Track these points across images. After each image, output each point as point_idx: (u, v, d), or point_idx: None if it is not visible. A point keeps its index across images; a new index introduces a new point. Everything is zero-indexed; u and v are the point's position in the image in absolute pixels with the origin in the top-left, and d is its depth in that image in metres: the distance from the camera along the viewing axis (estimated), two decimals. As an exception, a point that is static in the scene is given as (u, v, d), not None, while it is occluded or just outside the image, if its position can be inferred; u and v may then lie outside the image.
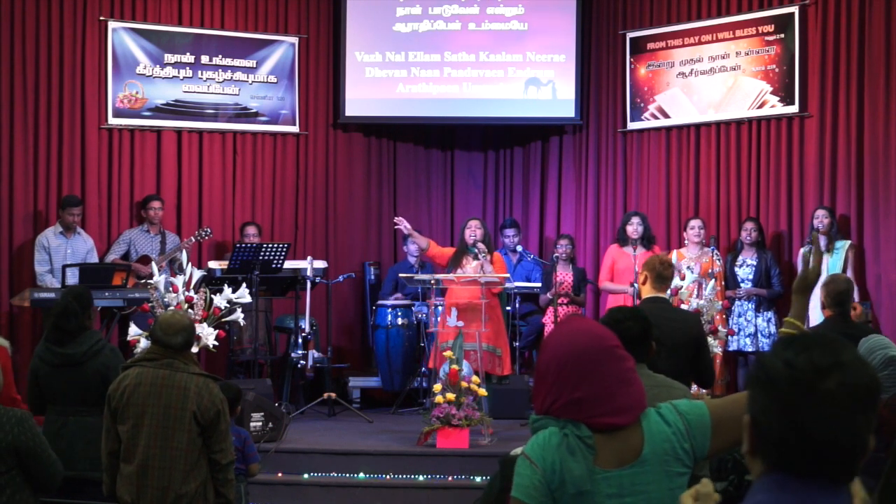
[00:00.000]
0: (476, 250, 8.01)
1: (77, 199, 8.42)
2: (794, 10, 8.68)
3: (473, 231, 8.10)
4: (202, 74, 9.39)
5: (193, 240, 8.57)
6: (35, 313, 8.28)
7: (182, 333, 4.21)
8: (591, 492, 2.26)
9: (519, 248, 9.03)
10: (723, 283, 8.18)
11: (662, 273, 5.09)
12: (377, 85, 9.83)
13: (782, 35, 8.77)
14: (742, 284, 8.23)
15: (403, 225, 8.12)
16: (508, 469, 2.94)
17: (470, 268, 8.01)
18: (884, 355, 4.26)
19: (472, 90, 9.86)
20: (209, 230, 8.73)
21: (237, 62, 9.52)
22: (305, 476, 6.76)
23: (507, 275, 8.27)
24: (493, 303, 8.04)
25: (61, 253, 8.27)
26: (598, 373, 2.30)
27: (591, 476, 2.26)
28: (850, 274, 7.90)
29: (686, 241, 8.46)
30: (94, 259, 8.44)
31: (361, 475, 6.76)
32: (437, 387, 6.86)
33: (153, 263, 7.37)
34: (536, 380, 2.38)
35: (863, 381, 1.54)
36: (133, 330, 6.36)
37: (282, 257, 8.11)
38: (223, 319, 6.59)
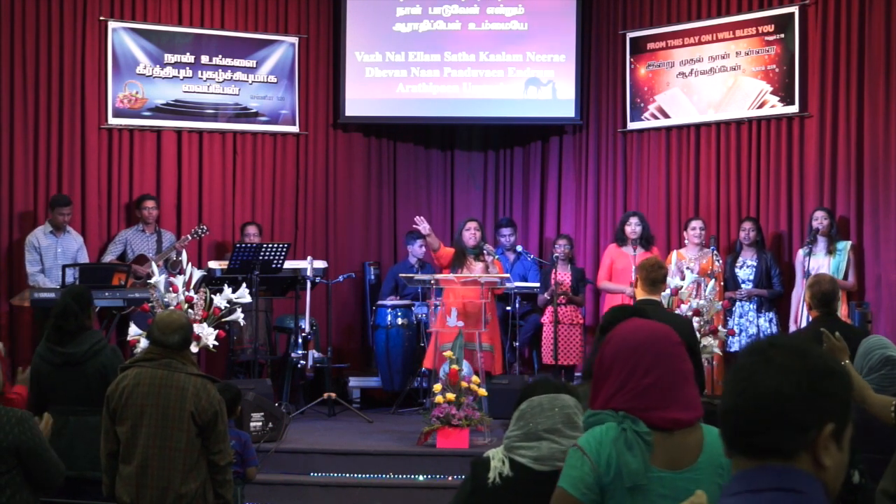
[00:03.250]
0: (484, 251, 8.03)
1: (67, 199, 8.39)
2: (794, 10, 8.68)
3: (473, 233, 8.11)
4: (202, 74, 9.38)
5: (190, 237, 8.53)
6: (34, 313, 8.26)
7: (179, 332, 4.20)
8: (646, 488, 2.25)
9: (519, 248, 9.03)
10: (722, 283, 8.17)
11: (651, 275, 5.12)
12: (377, 85, 9.82)
13: (782, 35, 8.77)
14: (743, 285, 8.22)
15: (424, 225, 8.12)
16: (479, 470, 2.94)
17: (476, 269, 8.02)
18: (881, 355, 4.27)
19: (472, 90, 9.85)
20: (205, 227, 8.71)
21: (237, 62, 9.52)
22: (305, 476, 6.76)
23: (507, 275, 8.28)
24: (492, 302, 8.07)
25: (52, 252, 8.25)
26: (667, 363, 2.31)
27: (647, 472, 2.25)
28: (851, 275, 7.91)
29: (686, 242, 8.45)
30: (85, 257, 8.42)
31: (361, 475, 6.76)
32: (437, 387, 6.86)
33: (152, 263, 7.37)
34: (599, 374, 2.37)
35: (822, 363, 1.56)
36: (133, 330, 6.37)
37: (282, 257, 8.11)
38: (223, 319, 6.60)
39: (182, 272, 6.60)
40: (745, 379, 1.56)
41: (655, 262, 5.34)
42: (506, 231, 9.23)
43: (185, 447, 4.10)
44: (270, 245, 8.16)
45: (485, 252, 8.05)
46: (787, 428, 1.53)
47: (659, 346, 2.33)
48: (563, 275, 8.77)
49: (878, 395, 3.97)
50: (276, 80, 9.65)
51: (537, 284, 8.76)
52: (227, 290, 6.58)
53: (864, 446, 3.91)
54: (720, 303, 7.17)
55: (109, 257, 8.57)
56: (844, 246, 7.94)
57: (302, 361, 8.05)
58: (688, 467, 2.27)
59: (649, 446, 2.26)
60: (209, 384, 4.21)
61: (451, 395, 6.73)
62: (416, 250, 9.17)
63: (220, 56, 9.45)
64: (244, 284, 6.82)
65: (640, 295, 5.11)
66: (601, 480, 2.26)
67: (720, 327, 6.96)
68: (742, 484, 1.56)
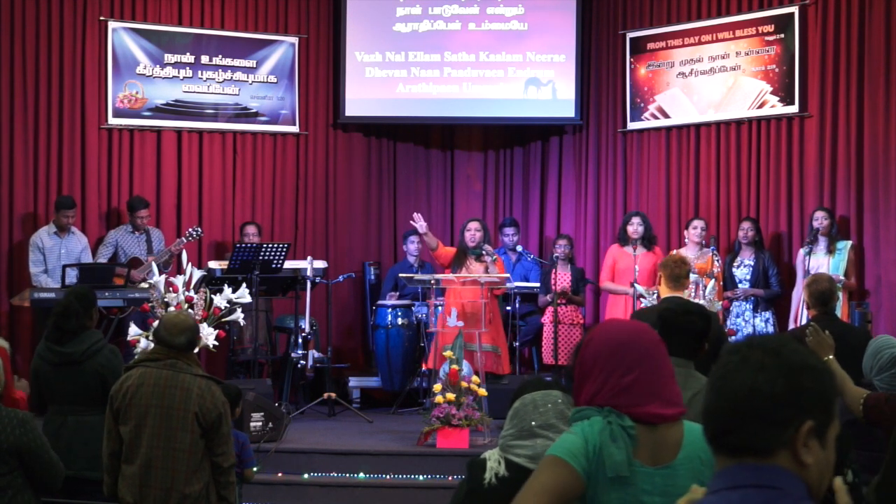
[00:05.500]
0: (483, 252, 8.02)
1: (71, 201, 8.38)
2: (794, 10, 8.68)
3: (473, 234, 8.10)
4: (202, 74, 9.38)
5: (185, 240, 8.47)
6: (35, 313, 8.26)
7: (186, 334, 4.21)
8: (629, 481, 2.26)
9: (519, 248, 9.03)
10: (721, 283, 8.17)
11: (675, 272, 5.12)
12: (377, 85, 9.82)
13: (782, 35, 8.77)
14: (740, 285, 8.23)
15: (420, 223, 8.12)
16: (475, 471, 2.94)
17: (476, 269, 8.01)
18: (891, 354, 4.27)
19: (472, 90, 9.85)
20: (199, 229, 8.67)
21: (237, 62, 9.52)
22: (305, 476, 6.76)
23: (508, 275, 8.28)
24: (494, 303, 8.06)
25: (55, 253, 8.24)
26: (648, 361, 2.32)
27: (631, 466, 2.26)
28: (852, 274, 7.90)
29: (687, 241, 8.45)
30: (89, 257, 8.41)
31: (361, 475, 6.76)
32: (437, 387, 6.86)
33: (152, 263, 7.37)
34: (581, 372, 2.38)
35: (798, 359, 1.55)
36: (133, 330, 6.37)
37: (282, 257, 8.11)
38: (223, 319, 6.61)
39: (180, 273, 6.60)
40: (721, 377, 1.56)
41: (679, 258, 5.35)
42: (509, 231, 9.22)
43: (189, 448, 4.10)
44: (270, 245, 8.16)
45: (484, 253, 8.03)
46: (763, 425, 1.52)
47: (640, 344, 2.34)
48: (563, 275, 8.77)
49: (854, 387, 3.99)
50: (276, 80, 9.65)
51: (538, 284, 8.75)
52: (227, 290, 6.59)
53: (864, 443, 3.92)
54: (720, 303, 7.17)
55: (101, 260, 8.51)
56: (845, 245, 7.94)
57: (302, 361, 8.05)
58: (667, 463, 2.29)
59: (633, 440, 2.27)
60: (214, 386, 4.20)
61: (451, 395, 6.73)
62: (411, 248, 9.18)
63: (220, 56, 9.45)
64: (244, 284, 6.82)
65: (665, 292, 5.12)
66: (591, 462, 2.26)
67: (720, 327, 6.95)
68: (721, 481, 1.56)
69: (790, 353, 1.56)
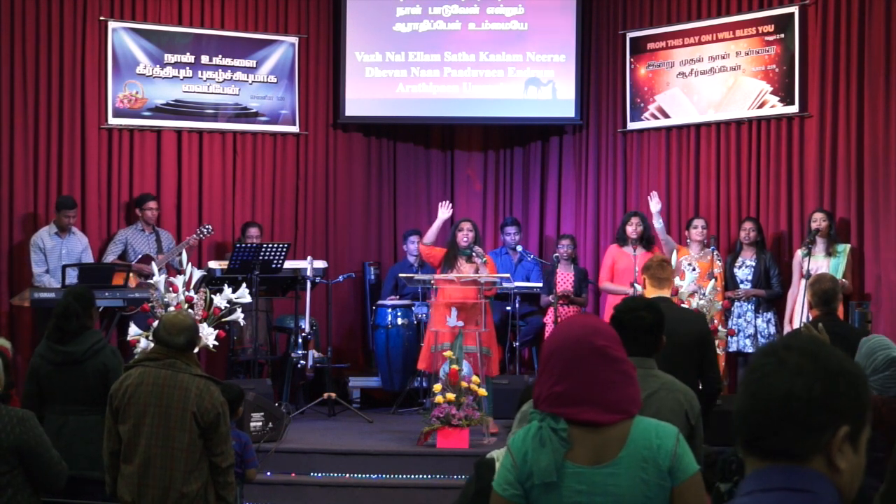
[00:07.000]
0: (473, 253, 7.98)
1: (72, 201, 8.39)
2: (794, 10, 8.68)
3: (466, 233, 8.03)
4: (202, 74, 9.38)
5: (196, 237, 8.52)
6: (35, 313, 8.27)
7: (185, 333, 4.22)
8: (557, 485, 2.26)
9: (519, 248, 9.03)
10: (723, 283, 8.17)
11: (658, 274, 5.13)
12: (377, 85, 9.82)
13: (782, 35, 8.77)
14: (741, 285, 8.23)
15: (448, 207, 8.29)
16: (483, 471, 2.94)
17: (466, 270, 7.98)
18: (886, 356, 4.23)
19: (472, 90, 9.85)
20: (210, 227, 8.70)
21: (237, 62, 9.51)
22: (305, 476, 6.76)
23: (508, 275, 8.26)
24: (487, 304, 8.05)
25: (56, 253, 8.25)
26: (581, 369, 2.31)
27: (560, 469, 2.26)
28: (849, 277, 7.90)
29: (689, 241, 8.46)
30: (90, 257, 8.43)
31: (361, 475, 6.76)
32: (438, 387, 6.86)
33: (155, 263, 7.37)
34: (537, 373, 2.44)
35: (834, 363, 1.54)
36: (133, 330, 6.38)
37: (282, 257, 8.11)
38: (223, 319, 6.61)
39: (182, 272, 6.61)
40: (757, 381, 1.55)
41: (661, 259, 5.36)
42: (510, 230, 9.21)
43: (188, 447, 4.11)
44: (270, 245, 8.17)
45: (474, 254, 7.96)
46: (800, 430, 1.51)
47: (572, 353, 2.33)
48: (566, 275, 8.77)
49: None
50: (276, 80, 9.65)
51: (540, 285, 8.74)
52: (227, 290, 6.59)
53: (868, 443, 3.90)
54: (720, 302, 7.17)
55: (110, 257, 8.55)
56: (844, 248, 7.94)
57: (302, 361, 8.05)
58: (608, 462, 2.28)
59: (565, 443, 2.27)
60: (212, 385, 4.21)
61: (451, 395, 6.73)
62: (411, 248, 9.18)
63: (220, 56, 9.45)
64: (244, 284, 6.83)
65: (650, 293, 5.13)
66: (520, 476, 2.30)
67: (720, 327, 6.95)
68: (753, 483, 1.55)
69: (827, 356, 1.55)
